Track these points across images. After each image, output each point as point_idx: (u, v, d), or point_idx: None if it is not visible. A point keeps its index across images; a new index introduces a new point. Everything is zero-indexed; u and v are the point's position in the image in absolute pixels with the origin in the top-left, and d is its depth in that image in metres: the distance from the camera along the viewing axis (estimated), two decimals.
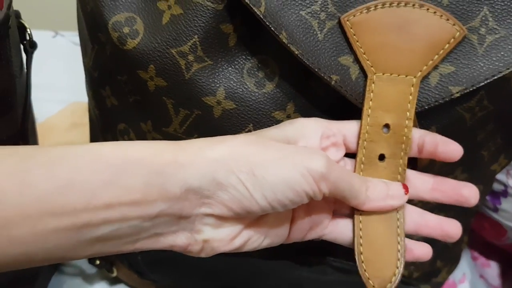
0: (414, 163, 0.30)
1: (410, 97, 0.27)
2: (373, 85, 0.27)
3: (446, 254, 0.41)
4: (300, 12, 0.26)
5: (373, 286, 0.28)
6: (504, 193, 0.43)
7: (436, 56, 0.26)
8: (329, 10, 0.27)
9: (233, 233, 0.26)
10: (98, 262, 0.42)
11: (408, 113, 0.27)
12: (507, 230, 0.46)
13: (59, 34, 0.69)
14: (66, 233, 0.22)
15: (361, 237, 0.28)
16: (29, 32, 0.33)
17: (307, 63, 0.26)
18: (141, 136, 0.32)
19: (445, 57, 0.27)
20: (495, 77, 0.27)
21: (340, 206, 0.29)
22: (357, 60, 0.27)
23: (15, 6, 0.32)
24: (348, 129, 0.28)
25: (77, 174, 0.22)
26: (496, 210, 0.45)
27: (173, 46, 0.27)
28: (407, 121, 0.27)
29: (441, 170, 0.32)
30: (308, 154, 0.25)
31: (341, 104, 0.29)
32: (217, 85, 0.28)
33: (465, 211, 0.38)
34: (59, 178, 0.21)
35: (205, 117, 0.29)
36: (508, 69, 0.27)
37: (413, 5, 0.26)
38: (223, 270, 0.39)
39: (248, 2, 0.25)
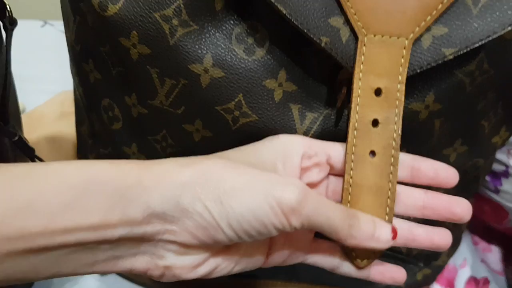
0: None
1: (402, 60, 0.26)
2: (364, 47, 0.26)
3: None
4: None
5: (355, 257, 0.28)
6: (505, 174, 0.42)
7: (429, 17, 0.26)
8: None
9: (197, 261, 0.25)
10: None
11: (400, 77, 0.26)
12: (508, 213, 0.45)
13: (48, 23, 0.69)
14: (22, 256, 0.21)
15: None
16: (8, 9, 0.32)
17: (296, 23, 0.25)
18: (126, 111, 0.31)
19: (438, 18, 0.26)
20: (490, 38, 0.26)
21: None
22: (347, 21, 0.26)
23: None
24: (333, 149, 0.28)
25: (37, 196, 0.21)
26: (497, 191, 0.44)
27: (156, 9, 0.26)
28: (399, 85, 0.26)
29: (439, 142, 0.31)
30: (281, 184, 0.23)
31: (334, 73, 0.28)
32: (204, 52, 0.27)
33: (465, 189, 0.37)
34: (18, 200, 0.21)
35: (192, 86, 0.28)
36: (503, 29, 0.26)
37: None
38: None
39: None
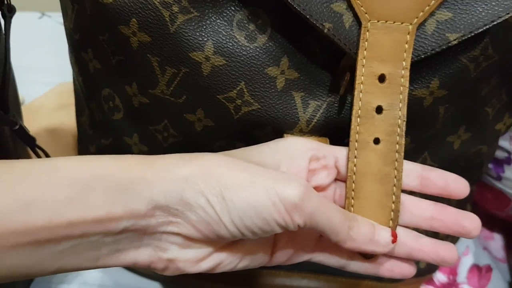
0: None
1: (406, 46, 0.26)
2: (367, 33, 0.26)
3: None
4: None
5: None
6: (508, 161, 0.42)
7: (433, 1, 0.25)
8: None
9: (201, 255, 0.25)
10: None
11: (404, 63, 0.26)
12: (510, 200, 0.45)
13: (46, 15, 0.68)
14: (26, 249, 0.22)
15: (353, 198, 0.27)
16: None
17: (298, 9, 0.25)
18: (127, 100, 0.30)
19: (442, 2, 0.26)
20: (494, 23, 0.25)
21: None
22: (350, 7, 0.26)
23: None
24: (340, 152, 0.27)
25: (40, 192, 0.21)
26: (499, 178, 0.44)
27: None
28: (403, 71, 0.26)
29: (443, 129, 0.31)
30: (283, 180, 0.23)
31: (337, 60, 0.28)
32: (205, 39, 0.27)
33: (469, 176, 0.37)
34: (22, 196, 0.21)
35: (193, 75, 0.27)
36: (508, 13, 0.25)
37: None
38: None
39: None
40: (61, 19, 0.67)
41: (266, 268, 0.40)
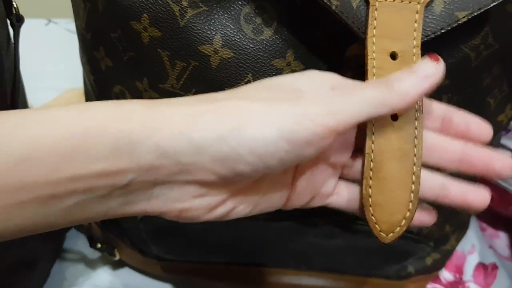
0: None
1: (416, 24, 0.25)
2: (376, 12, 0.25)
3: (454, 218, 0.40)
4: None
5: (380, 231, 0.26)
6: None
7: None
8: None
9: (214, 202, 0.23)
10: (99, 245, 0.41)
11: (415, 41, 0.25)
12: None
13: (52, 21, 0.69)
14: (30, 206, 0.20)
15: (371, 178, 0.26)
16: (15, 6, 0.32)
17: None
18: (137, 96, 0.31)
19: None
20: None
21: (348, 169, 0.27)
22: None
23: None
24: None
25: (35, 146, 0.20)
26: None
27: None
28: (414, 49, 0.25)
29: None
30: (301, 98, 0.22)
31: (342, 51, 0.28)
32: (213, 33, 0.27)
33: None
34: (15, 151, 0.19)
35: (203, 68, 0.28)
36: None
37: None
38: (227, 244, 0.38)
39: None
40: (67, 25, 0.69)
41: (274, 266, 0.40)
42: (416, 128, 0.26)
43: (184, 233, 0.36)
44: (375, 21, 0.25)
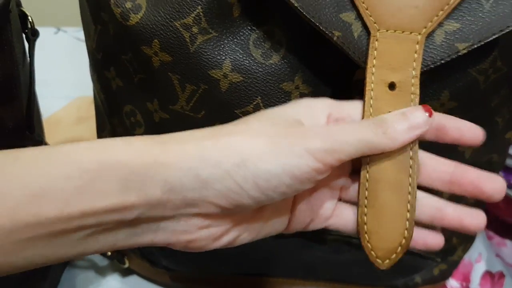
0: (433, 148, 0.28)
1: (416, 55, 0.26)
2: (376, 42, 0.26)
3: None
4: None
5: (376, 258, 0.27)
6: None
7: (441, 12, 0.26)
8: None
9: (220, 231, 0.24)
10: (109, 253, 0.42)
11: (414, 72, 0.26)
12: None
13: (61, 30, 0.70)
14: (41, 241, 0.21)
15: (366, 206, 0.26)
16: (30, 20, 0.33)
17: (308, 17, 0.25)
18: (148, 116, 0.31)
19: (450, 14, 0.26)
20: (503, 32, 0.25)
21: (346, 190, 0.28)
22: (359, 16, 0.26)
23: None
24: (354, 111, 0.26)
25: (48, 182, 0.21)
26: (510, 186, 0.44)
27: (177, 18, 0.27)
28: (413, 79, 0.26)
29: None
30: (308, 136, 0.23)
31: (350, 75, 0.28)
32: (223, 58, 0.28)
33: None
34: (30, 188, 0.20)
35: (212, 91, 0.28)
36: None
37: None
38: (236, 256, 0.38)
39: None
40: (76, 34, 0.69)
41: (282, 276, 0.41)
42: (411, 158, 0.26)
43: None
44: (375, 52, 0.26)
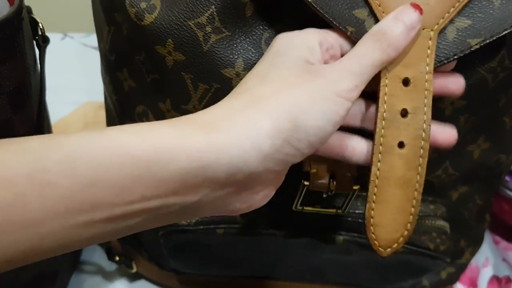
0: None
1: (429, 51, 0.26)
2: None
3: (469, 233, 0.40)
4: None
5: (378, 246, 0.28)
6: None
7: (452, 9, 0.26)
8: None
9: (272, 191, 0.26)
10: (117, 258, 0.42)
11: (427, 67, 0.26)
12: None
13: (68, 36, 0.70)
14: (100, 225, 0.21)
15: (373, 202, 0.27)
16: (41, 27, 0.33)
17: (322, 12, 0.26)
18: (160, 116, 0.32)
19: (461, 11, 0.26)
20: None
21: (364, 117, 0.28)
22: (372, 13, 0.26)
23: None
24: (343, 41, 0.27)
25: (101, 172, 0.20)
26: None
27: (191, 18, 0.27)
28: (427, 75, 0.26)
29: (464, 138, 0.32)
30: (327, 78, 0.24)
31: None
32: (236, 57, 0.28)
33: (488, 185, 0.37)
34: (82, 176, 0.20)
35: (224, 90, 0.29)
36: None
37: None
38: (244, 258, 0.38)
39: None
40: (83, 40, 0.70)
41: (290, 279, 0.41)
42: (421, 156, 0.27)
43: (203, 248, 0.36)
44: None
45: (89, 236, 0.21)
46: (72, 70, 0.64)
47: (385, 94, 0.26)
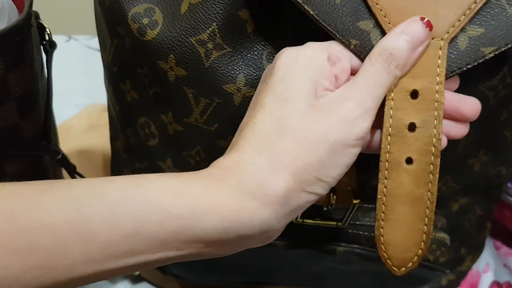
0: None
1: (439, 61, 0.25)
2: None
3: (470, 241, 0.40)
4: None
5: (392, 266, 0.27)
6: None
7: (463, 17, 0.25)
8: None
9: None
10: None
11: (438, 78, 0.25)
12: None
13: (73, 38, 0.70)
14: (132, 268, 0.22)
15: (383, 220, 0.26)
16: (48, 32, 0.33)
17: (324, 25, 0.25)
18: (162, 128, 0.32)
19: (472, 19, 0.25)
20: None
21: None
22: (378, 24, 0.25)
23: None
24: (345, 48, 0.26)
25: (140, 226, 0.22)
26: None
27: (192, 34, 0.27)
28: (437, 86, 0.25)
29: (464, 152, 0.32)
30: (344, 126, 0.24)
31: None
32: (237, 72, 0.28)
33: (489, 196, 0.37)
34: (122, 229, 0.21)
35: (226, 105, 0.29)
36: None
37: None
38: (245, 265, 0.39)
39: None
40: (87, 42, 0.70)
41: (291, 285, 0.41)
42: (431, 172, 0.25)
43: None
44: None
45: (117, 274, 0.23)
46: (77, 72, 0.64)
47: (391, 108, 0.25)
